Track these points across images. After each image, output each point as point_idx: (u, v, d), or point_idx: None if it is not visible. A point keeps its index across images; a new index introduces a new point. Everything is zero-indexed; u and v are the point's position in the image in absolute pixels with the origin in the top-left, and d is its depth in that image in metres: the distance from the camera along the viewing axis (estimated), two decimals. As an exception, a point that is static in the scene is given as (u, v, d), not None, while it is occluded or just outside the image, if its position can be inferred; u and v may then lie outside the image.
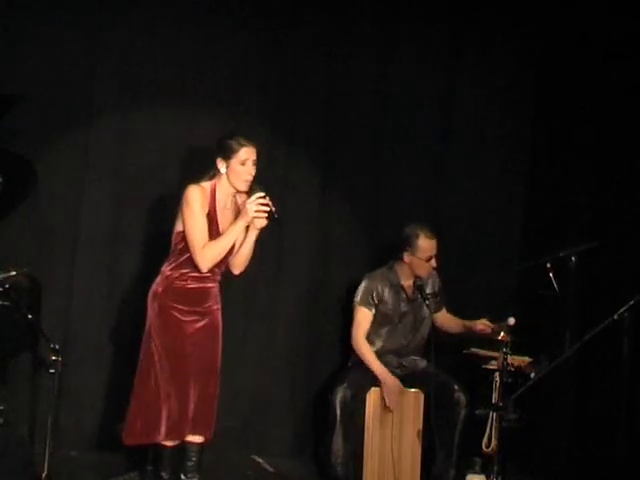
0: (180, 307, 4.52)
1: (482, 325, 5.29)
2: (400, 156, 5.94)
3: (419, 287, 5.23)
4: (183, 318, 4.52)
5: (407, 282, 5.35)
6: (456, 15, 5.98)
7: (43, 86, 5.21)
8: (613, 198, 5.59)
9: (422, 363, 5.39)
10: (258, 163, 4.55)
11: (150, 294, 4.57)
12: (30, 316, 4.55)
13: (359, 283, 5.35)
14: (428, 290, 5.32)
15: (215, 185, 4.54)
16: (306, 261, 5.77)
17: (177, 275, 4.53)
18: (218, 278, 4.62)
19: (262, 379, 5.68)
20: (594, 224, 5.66)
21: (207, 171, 4.58)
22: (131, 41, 5.40)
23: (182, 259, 4.52)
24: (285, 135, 5.72)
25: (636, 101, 5.41)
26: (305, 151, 5.79)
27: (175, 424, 4.51)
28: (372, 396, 5.20)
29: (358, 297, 5.30)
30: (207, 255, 4.46)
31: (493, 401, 4.88)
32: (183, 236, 4.50)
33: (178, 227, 4.53)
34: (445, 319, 5.45)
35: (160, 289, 4.54)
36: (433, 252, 5.25)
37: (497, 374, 4.87)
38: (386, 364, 5.23)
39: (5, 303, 4.61)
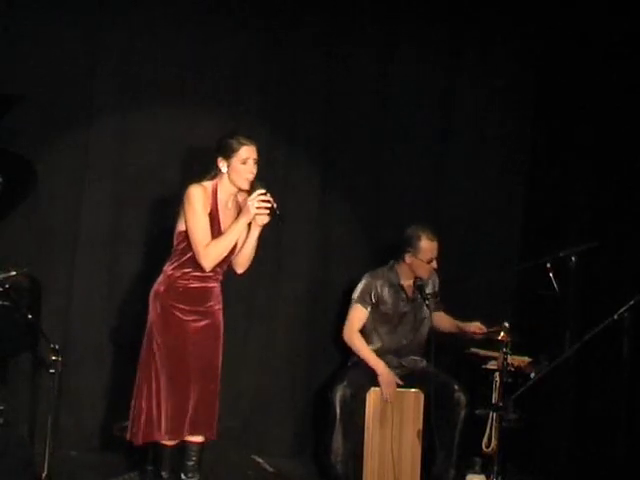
0: (182, 307, 4.52)
1: (475, 327, 5.30)
2: (400, 156, 5.94)
3: (419, 287, 5.23)
4: (185, 318, 4.52)
5: (407, 282, 5.35)
6: (456, 15, 5.98)
7: (43, 86, 5.21)
8: (613, 198, 5.59)
9: (422, 363, 5.39)
10: (258, 162, 4.55)
11: (152, 293, 4.57)
12: (30, 316, 4.55)
13: (359, 282, 5.35)
14: (428, 290, 5.32)
15: (216, 185, 4.55)
16: (306, 261, 5.78)
17: (179, 275, 4.53)
18: (220, 278, 4.62)
19: (262, 379, 5.68)
20: (594, 224, 5.66)
21: (208, 171, 4.58)
22: (131, 41, 5.41)
23: (184, 259, 4.52)
24: (285, 135, 5.72)
25: (636, 101, 5.41)
26: (305, 151, 5.80)
27: (175, 423, 4.51)
28: (372, 396, 5.20)
29: (356, 294, 5.31)
30: (210, 254, 4.47)
31: (493, 401, 4.88)
32: (185, 236, 4.50)
33: (180, 227, 4.53)
34: (440, 319, 5.45)
35: (162, 288, 4.54)
36: (434, 254, 5.26)
37: (497, 374, 4.87)
38: (386, 364, 5.23)
39: (5, 303, 4.61)
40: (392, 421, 5.21)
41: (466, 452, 5.17)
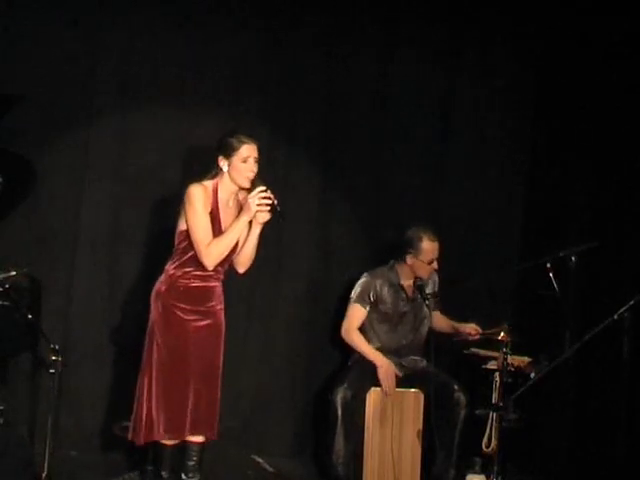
0: (183, 306, 4.52)
1: (470, 329, 5.31)
2: (400, 156, 5.94)
3: (419, 287, 5.23)
4: (186, 317, 4.52)
5: (407, 282, 5.35)
6: (456, 15, 5.98)
7: (43, 86, 5.21)
8: (613, 198, 5.59)
9: (422, 363, 5.39)
10: (259, 161, 4.55)
11: (153, 293, 4.57)
12: (30, 316, 4.54)
13: (359, 280, 5.36)
14: (428, 290, 5.32)
15: (217, 184, 4.55)
16: (306, 261, 5.78)
17: (180, 274, 4.53)
18: (221, 277, 4.63)
19: (262, 379, 5.68)
20: (594, 224, 5.66)
21: (208, 170, 4.58)
22: (131, 41, 5.41)
23: (185, 258, 4.52)
24: (285, 135, 5.72)
25: (636, 101, 5.41)
26: (305, 151, 5.80)
27: (176, 423, 4.51)
28: (372, 396, 5.20)
29: (355, 294, 5.32)
30: (212, 253, 4.47)
31: (493, 401, 4.88)
32: (186, 235, 4.51)
33: (181, 226, 4.53)
34: (437, 318, 5.45)
35: (163, 288, 4.54)
36: (435, 254, 5.26)
37: (497, 374, 4.88)
38: (386, 364, 5.25)
39: (5, 303, 4.62)
40: (392, 421, 5.21)
41: (466, 452, 5.17)
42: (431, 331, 5.31)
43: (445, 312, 5.52)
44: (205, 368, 4.55)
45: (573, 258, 5.07)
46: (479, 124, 6.09)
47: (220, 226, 4.52)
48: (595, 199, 5.70)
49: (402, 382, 5.24)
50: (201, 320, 4.55)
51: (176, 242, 4.56)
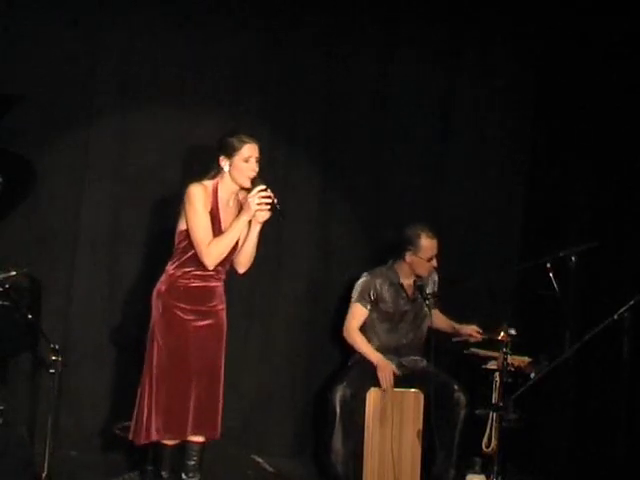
0: (183, 306, 4.52)
1: (471, 330, 5.32)
2: (400, 156, 5.94)
3: (419, 287, 5.24)
4: (186, 317, 4.52)
5: (407, 281, 5.35)
6: (456, 15, 5.98)
7: (43, 86, 5.21)
8: (613, 198, 5.59)
9: (422, 363, 5.39)
10: (260, 161, 4.55)
11: (154, 293, 4.57)
12: (30, 316, 4.54)
13: (359, 280, 5.36)
14: (428, 290, 5.32)
15: (217, 183, 4.55)
16: (306, 261, 5.78)
17: (180, 274, 4.53)
18: (222, 277, 4.62)
19: (262, 379, 5.68)
20: (594, 224, 5.66)
21: (208, 170, 4.58)
22: (131, 41, 5.41)
23: (185, 257, 4.52)
24: (285, 135, 5.72)
25: (636, 101, 5.41)
26: (305, 151, 5.80)
27: (177, 423, 4.51)
28: (372, 395, 5.20)
29: (355, 293, 5.32)
30: (213, 252, 4.47)
31: (493, 401, 4.88)
32: (186, 235, 4.51)
33: (181, 226, 4.53)
34: (436, 317, 5.45)
35: (163, 288, 4.54)
36: (434, 252, 5.27)
37: (497, 374, 4.87)
38: (386, 364, 5.25)
39: (5, 303, 4.62)
40: (392, 421, 5.21)
41: (466, 452, 5.17)
42: (431, 330, 5.31)
43: (445, 312, 5.53)
44: (206, 368, 4.55)
45: (573, 258, 5.06)
46: (479, 124, 6.09)
47: (220, 226, 4.52)
48: (595, 199, 5.70)
49: (402, 382, 5.24)
50: (202, 320, 4.55)
51: (176, 242, 4.56)
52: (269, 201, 4.42)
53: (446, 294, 5.50)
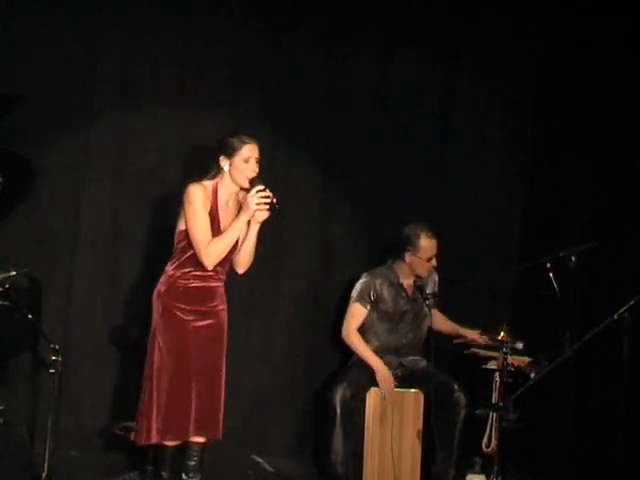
0: (183, 306, 4.52)
1: (475, 335, 5.33)
2: (400, 156, 5.94)
3: (419, 288, 5.24)
4: (186, 317, 4.52)
5: (406, 281, 5.35)
6: (456, 15, 5.98)
7: (43, 86, 5.21)
8: (613, 198, 5.59)
9: (422, 363, 5.39)
10: (260, 162, 4.55)
11: (154, 294, 4.56)
12: (30, 316, 4.54)
13: (358, 280, 5.36)
14: (428, 290, 5.32)
15: (217, 184, 4.54)
16: (306, 261, 5.78)
17: (179, 274, 4.53)
18: (222, 277, 4.62)
19: (262, 379, 5.68)
20: (594, 224, 5.66)
21: (208, 170, 4.58)
22: (131, 41, 5.41)
23: (184, 258, 4.52)
24: (285, 135, 5.72)
25: (636, 101, 5.41)
26: (305, 151, 5.80)
27: (178, 424, 4.50)
28: (372, 395, 5.20)
29: (355, 293, 5.32)
30: (212, 252, 4.46)
31: (493, 401, 4.88)
32: (185, 235, 4.50)
33: (180, 226, 4.53)
34: (436, 318, 5.44)
35: (163, 288, 4.54)
36: (434, 252, 5.27)
37: (497, 374, 4.88)
38: (386, 364, 5.23)
39: (5, 303, 4.62)
40: (392, 421, 5.21)
41: (466, 452, 5.17)
42: (431, 330, 5.31)
43: (445, 312, 5.53)
44: (207, 369, 4.54)
45: (573, 258, 5.06)
46: (479, 124, 6.10)
47: (219, 226, 4.52)
48: (595, 199, 5.70)
49: (402, 382, 5.25)
50: (202, 320, 4.55)
51: (175, 242, 4.56)
52: (268, 201, 4.42)
53: (446, 294, 5.50)
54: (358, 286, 5.33)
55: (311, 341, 5.78)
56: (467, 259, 5.96)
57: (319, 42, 5.75)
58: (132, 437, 4.57)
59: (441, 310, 5.52)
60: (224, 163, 4.53)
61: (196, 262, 4.50)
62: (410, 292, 5.35)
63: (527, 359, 5.19)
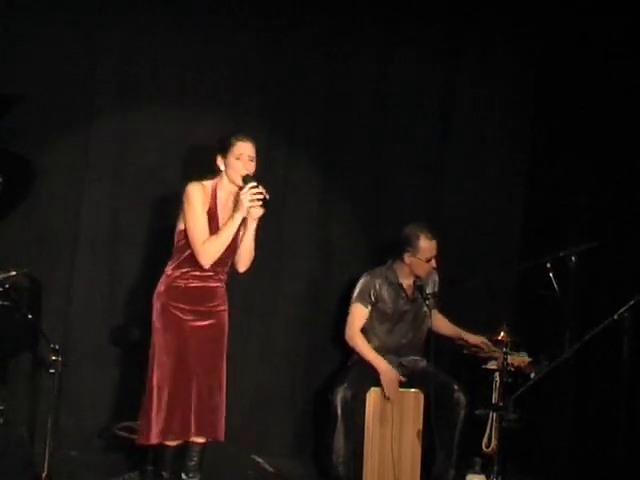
0: (181, 306, 4.52)
1: (480, 342, 5.31)
2: (400, 156, 5.94)
3: (419, 288, 5.24)
4: (184, 317, 4.52)
5: (406, 281, 5.35)
6: (456, 15, 5.98)
7: (43, 86, 5.21)
8: (613, 198, 5.59)
9: (422, 363, 5.39)
10: (257, 161, 4.55)
11: (155, 294, 4.57)
12: (30, 316, 4.55)
13: (358, 281, 5.35)
14: (428, 290, 5.32)
15: (217, 183, 4.55)
16: (306, 261, 5.78)
17: (178, 274, 4.53)
18: (223, 278, 4.62)
19: (262, 379, 5.68)
20: (594, 224, 5.66)
21: (208, 170, 4.58)
22: (131, 41, 5.41)
23: (183, 257, 4.52)
24: (285, 135, 5.72)
25: (636, 101, 5.41)
26: (305, 151, 5.80)
27: (179, 424, 4.50)
28: (372, 395, 5.20)
29: (355, 294, 5.32)
30: (208, 251, 4.46)
31: (493, 401, 4.89)
32: (184, 234, 4.51)
33: (180, 226, 4.53)
34: (437, 321, 5.43)
35: (162, 288, 4.54)
36: (433, 253, 5.26)
37: (497, 374, 4.88)
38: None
39: (5, 303, 4.62)
40: (392, 421, 5.21)
41: (466, 452, 5.17)
42: (431, 331, 5.30)
43: (445, 312, 5.52)
44: (207, 369, 4.54)
45: (573, 258, 5.06)
46: (479, 124, 6.09)
47: (218, 225, 4.51)
48: (595, 199, 5.70)
49: (402, 382, 5.24)
50: (201, 320, 4.54)
51: (175, 241, 4.57)
52: (261, 197, 4.42)
53: (446, 294, 5.50)
54: (358, 287, 5.33)
55: (311, 341, 5.78)
56: (467, 259, 5.96)
57: (319, 42, 5.75)
58: (137, 439, 4.56)
59: (441, 311, 5.51)
60: (220, 162, 4.54)
61: (195, 262, 4.50)
62: (410, 292, 5.35)
63: (527, 359, 5.19)
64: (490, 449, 4.86)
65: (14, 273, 4.65)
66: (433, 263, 5.28)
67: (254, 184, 4.43)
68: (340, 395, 5.12)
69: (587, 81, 5.73)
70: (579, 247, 5.08)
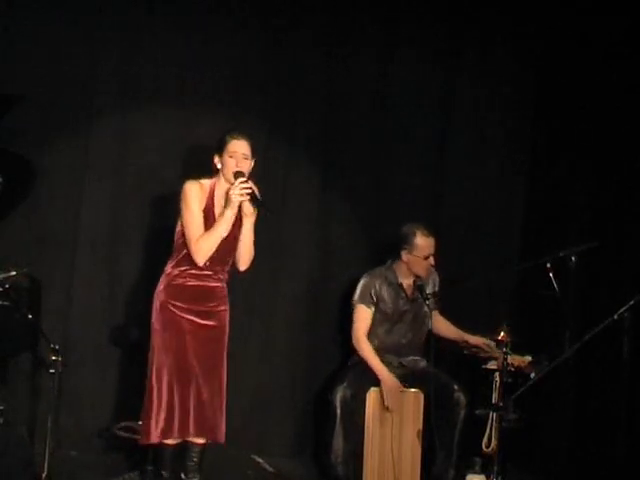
0: (179, 305, 4.52)
1: (482, 343, 5.29)
2: (400, 156, 5.94)
3: (419, 287, 5.23)
4: (183, 316, 4.51)
5: (406, 281, 5.35)
6: (456, 15, 5.98)
7: (43, 86, 5.21)
8: (613, 198, 5.59)
9: (422, 363, 5.39)
10: (258, 161, 4.54)
11: (155, 293, 4.57)
12: (30, 316, 4.55)
13: (358, 283, 5.35)
14: (428, 290, 5.32)
15: (215, 183, 4.55)
16: (306, 261, 5.77)
17: (177, 272, 4.53)
18: (223, 277, 4.62)
19: (262, 379, 5.68)
20: (594, 224, 5.66)
21: (209, 171, 4.58)
22: (131, 41, 5.41)
23: (180, 256, 4.53)
24: (285, 135, 5.72)
25: (636, 101, 5.41)
26: (305, 151, 5.79)
27: (178, 423, 4.50)
28: (372, 396, 5.20)
29: (357, 295, 5.32)
30: (201, 248, 4.45)
31: (493, 401, 4.88)
32: (183, 233, 4.51)
33: (179, 225, 4.54)
34: (438, 322, 5.43)
35: (161, 287, 4.55)
36: (431, 250, 5.26)
37: (497, 374, 4.88)
38: (386, 364, 5.23)
39: (5, 303, 4.61)
40: (392, 421, 5.21)
41: (466, 452, 5.17)
42: (433, 335, 5.30)
43: (445, 312, 5.52)
44: (207, 369, 4.54)
45: (573, 258, 5.06)
46: (479, 124, 6.09)
47: (214, 224, 4.51)
48: (595, 199, 5.70)
49: (402, 382, 5.23)
50: (200, 320, 4.54)
51: (174, 240, 4.57)
52: (249, 192, 4.41)
53: (446, 294, 5.49)
54: (359, 288, 5.33)
55: (311, 341, 5.78)
56: (467, 259, 5.96)
57: (319, 42, 5.75)
58: (139, 439, 4.56)
59: (442, 311, 5.51)
60: (217, 161, 4.55)
61: (192, 260, 4.50)
62: (410, 292, 5.35)
63: (527, 359, 5.19)
64: (490, 449, 4.85)
65: (14, 273, 4.65)
66: (431, 261, 5.28)
67: (244, 179, 4.43)
68: (340, 395, 5.12)
69: (587, 81, 5.73)
70: (579, 247, 5.08)
